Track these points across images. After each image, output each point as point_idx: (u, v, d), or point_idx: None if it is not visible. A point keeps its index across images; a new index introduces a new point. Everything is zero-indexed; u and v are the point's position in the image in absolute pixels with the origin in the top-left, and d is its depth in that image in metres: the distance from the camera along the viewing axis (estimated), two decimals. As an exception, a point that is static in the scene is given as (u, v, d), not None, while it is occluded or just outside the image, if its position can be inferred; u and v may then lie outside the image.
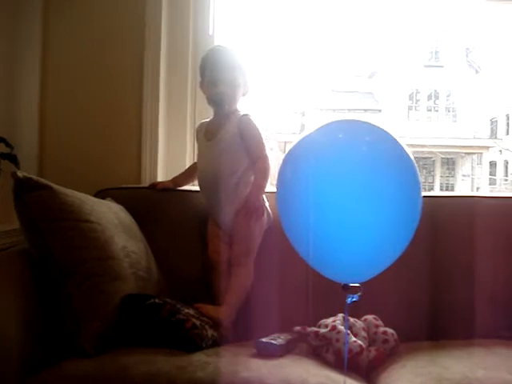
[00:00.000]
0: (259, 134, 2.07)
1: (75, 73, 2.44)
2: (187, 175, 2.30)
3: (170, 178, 2.34)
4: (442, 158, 14.37)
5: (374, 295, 1.90)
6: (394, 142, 1.35)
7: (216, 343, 1.75)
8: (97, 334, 1.66)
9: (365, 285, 1.84)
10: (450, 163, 14.44)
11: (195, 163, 2.27)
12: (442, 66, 13.53)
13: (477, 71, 14.36)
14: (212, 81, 2.08)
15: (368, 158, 1.31)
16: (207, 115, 2.42)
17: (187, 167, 2.34)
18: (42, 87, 2.42)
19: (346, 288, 1.38)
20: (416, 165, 1.34)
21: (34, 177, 1.76)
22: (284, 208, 1.41)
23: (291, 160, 1.41)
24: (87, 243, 1.75)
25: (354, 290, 1.38)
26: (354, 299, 1.38)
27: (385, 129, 1.38)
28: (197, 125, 2.27)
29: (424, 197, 2.08)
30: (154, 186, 2.27)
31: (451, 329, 1.99)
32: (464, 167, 13.93)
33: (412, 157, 1.36)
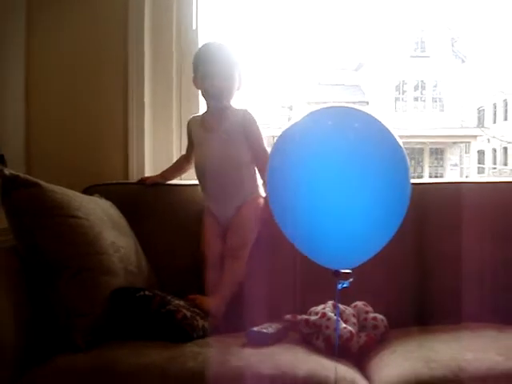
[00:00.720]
0: (260, 129, 2.12)
1: (60, 71, 2.44)
2: (175, 169, 2.31)
3: (157, 173, 2.34)
4: (431, 148, 14.44)
5: (362, 282, 1.91)
6: (382, 128, 1.36)
7: (207, 334, 1.76)
8: (88, 328, 1.67)
9: (353, 271, 1.90)
10: (438, 153, 14.51)
11: (183, 156, 2.31)
12: (428, 57, 13.60)
13: (463, 61, 14.43)
14: (208, 74, 2.08)
15: (356, 144, 1.31)
16: (192, 110, 2.44)
17: (175, 161, 2.35)
18: (26, 86, 2.42)
19: (337, 274, 1.39)
20: (405, 151, 1.35)
21: (22, 174, 1.77)
22: (274, 196, 1.42)
23: (280, 147, 1.41)
24: (76, 239, 1.76)
25: (345, 276, 1.39)
26: (345, 285, 1.39)
27: (373, 115, 1.39)
28: (187, 119, 2.27)
29: (411, 184, 2.15)
30: (143, 181, 2.28)
31: (440, 314, 2.00)
32: (452, 156, 14.01)
33: (401, 143, 1.37)
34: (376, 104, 12.31)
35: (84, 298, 1.70)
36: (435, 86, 13.31)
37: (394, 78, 12.64)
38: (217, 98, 2.10)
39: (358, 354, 1.72)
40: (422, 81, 13.13)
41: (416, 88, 13.16)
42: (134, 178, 2.39)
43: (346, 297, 1.73)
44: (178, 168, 2.31)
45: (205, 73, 2.09)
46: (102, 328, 1.71)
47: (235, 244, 2.05)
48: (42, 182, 1.77)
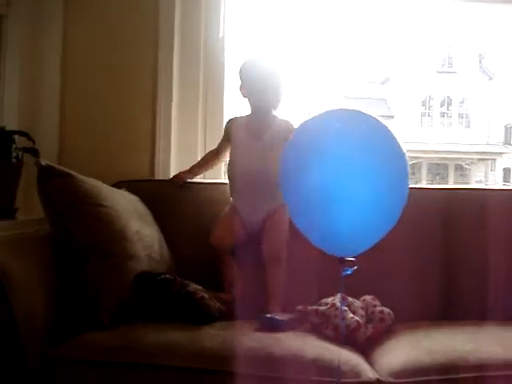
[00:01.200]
0: None
1: (93, 72, 2.58)
2: (204, 164, 2.40)
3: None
4: (456, 165, 14.40)
5: (387, 282, 2.09)
6: (383, 128, 1.47)
7: (223, 317, 1.88)
8: (113, 309, 1.80)
9: (378, 272, 2.05)
10: (463, 169, 14.46)
11: (212, 152, 2.39)
12: (454, 72, 13.61)
13: (490, 78, 14.38)
14: (260, 88, 2.18)
15: (362, 141, 1.42)
16: (217, 112, 2.56)
17: (203, 156, 2.45)
18: (62, 85, 2.57)
19: (342, 261, 1.48)
20: (403, 150, 1.45)
21: (56, 165, 1.92)
22: (286, 188, 1.53)
23: (294, 143, 1.53)
24: (103, 226, 1.89)
25: (350, 263, 1.48)
26: (349, 272, 1.48)
27: (376, 118, 1.50)
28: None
29: (437, 189, 2.34)
30: (175, 178, 2.37)
31: (462, 316, 2.06)
32: (477, 173, 13.93)
33: (400, 144, 1.47)
34: (402, 118, 12.33)
35: (110, 281, 1.84)
36: (462, 102, 13.28)
37: (421, 92, 12.63)
38: (264, 111, 2.22)
39: (365, 345, 1.81)
40: (448, 96, 13.11)
41: (442, 104, 13.13)
42: (159, 175, 2.52)
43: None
44: (206, 164, 2.40)
45: (253, 89, 2.20)
46: (127, 309, 1.84)
47: (275, 248, 2.11)
48: (74, 173, 1.92)
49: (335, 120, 1.46)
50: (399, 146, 1.44)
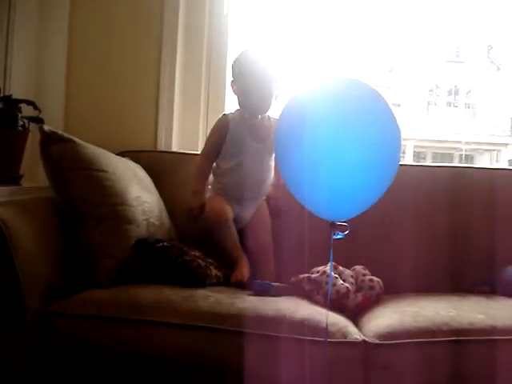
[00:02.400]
0: None
1: (100, 42, 2.64)
2: (205, 179, 2.22)
3: (183, 143, 2.58)
4: (461, 155, 14.39)
5: (396, 259, 2.17)
6: (377, 95, 1.51)
7: (220, 283, 1.95)
8: (111, 269, 1.87)
9: (387, 249, 2.18)
10: (468, 159, 14.45)
11: (207, 161, 2.21)
12: (462, 62, 13.56)
13: (498, 68, 14.36)
14: (248, 91, 2.12)
15: (353, 108, 1.47)
16: (220, 87, 2.61)
17: (199, 170, 2.21)
18: (68, 54, 2.63)
19: (334, 226, 1.53)
20: (394, 116, 1.49)
21: (59, 131, 1.98)
22: (280, 153, 1.58)
23: (287, 111, 1.57)
24: (102, 190, 1.96)
25: (341, 228, 1.53)
26: (340, 236, 1.53)
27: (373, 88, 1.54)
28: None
29: (445, 167, 2.39)
30: (191, 212, 2.16)
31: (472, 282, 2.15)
32: (482, 164, 13.93)
33: (392, 109, 1.52)
34: (408, 107, 12.31)
35: (109, 242, 1.91)
36: (469, 92, 13.23)
37: (428, 81, 12.58)
38: (254, 114, 2.17)
39: (354, 311, 1.88)
40: (455, 86, 13.06)
41: (449, 93, 13.08)
42: (161, 147, 2.58)
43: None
44: (207, 177, 2.22)
45: (246, 90, 2.13)
46: (126, 271, 1.91)
47: (264, 234, 2.21)
48: (75, 139, 1.99)
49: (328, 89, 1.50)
50: (390, 112, 1.49)
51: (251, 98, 2.13)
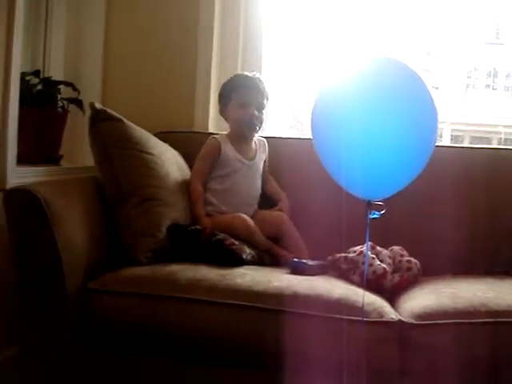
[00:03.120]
0: None
1: (137, 25, 2.67)
2: (203, 200, 2.19)
3: (219, 125, 2.58)
4: (500, 138, 14.14)
5: (434, 240, 2.18)
6: (414, 75, 1.50)
7: (255, 262, 1.97)
8: (149, 248, 1.90)
9: (424, 231, 2.19)
10: (507, 143, 14.20)
11: (201, 185, 2.19)
12: (502, 44, 13.28)
13: (539, 50, 14.01)
14: (246, 102, 2.19)
15: (390, 90, 1.46)
16: (255, 68, 2.62)
17: (198, 192, 2.18)
18: (105, 36, 2.67)
19: (370, 205, 1.52)
20: (431, 96, 1.47)
21: (109, 109, 2.01)
22: (317, 133, 1.58)
23: (325, 91, 1.57)
24: (147, 172, 2.00)
25: (377, 207, 1.53)
26: (376, 215, 1.52)
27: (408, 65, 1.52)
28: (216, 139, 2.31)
29: (482, 148, 2.38)
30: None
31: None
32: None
33: (428, 89, 1.50)
34: (446, 90, 12.12)
35: (147, 222, 1.93)
36: (508, 75, 12.95)
37: (466, 64, 12.34)
38: (251, 126, 2.22)
39: (391, 292, 1.87)
40: (494, 68, 12.79)
41: (488, 75, 12.81)
42: (198, 128, 2.60)
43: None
44: (203, 198, 2.19)
45: (242, 101, 2.19)
46: (162, 251, 1.93)
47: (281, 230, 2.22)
48: (125, 119, 2.02)
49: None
50: (428, 91, 1.47)
51: (250, 109, 2.19)
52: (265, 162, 2.31)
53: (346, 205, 1.94)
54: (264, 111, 2.25)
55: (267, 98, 2.26)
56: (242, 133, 2.24)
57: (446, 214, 2.20)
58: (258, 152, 2.27)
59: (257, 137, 2.30)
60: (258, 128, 2.24)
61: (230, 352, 1.65)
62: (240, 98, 2.21)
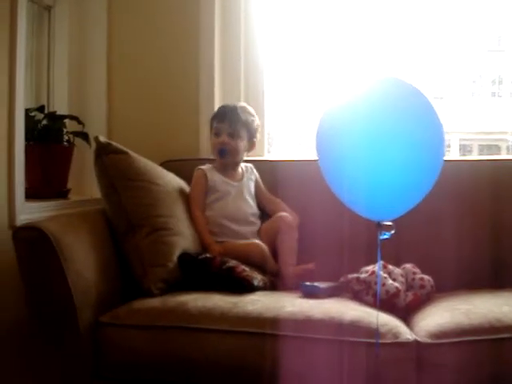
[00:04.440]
0: None
1: (139, 57, 2.69)
2: (207, 228, 2.21)
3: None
4: (508, 146, 14.06)
5: (446, 256, 2.14)
6: (418, 95, 1.50)
7: (267, 288, 1.96)
8: (161, 278, 1.90)
9: (427, 243, 2.17)
10: (515, 150, 14.11)
11: (201, 212, 2.22)
12: (503, 51, 13.28)
13: (543, 55, 13.99)
14: (216, 131, 2.28)
15: (396, 110, 1.46)
16: (258, 95, 2.63)
17: (201, 222, 2.20)
18: (108, 69, 2.69)
19: (380, 226, 1.52)
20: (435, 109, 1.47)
21: (113, 142, 2.04)
22: (323, 154, 1.58)
23: (329, 115, 1.57)
24: (155, 202, 2.01)
25: (387, 227, 1.52)
26: (386, 236, 1.52)
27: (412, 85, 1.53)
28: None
29: (486, 160, 2.35)
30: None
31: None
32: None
33: (434, 107, 1.50)
34: (451, 99, 12.10)
35: (157, 253, 1.94)
36: (512, 82, 12.90)
37: (471, 72, 12.33)
38: (220, 153, 2.27)
39: (405, 311, 1.85)
40: (499, 76, 12.78)
41: (493, 83, 12.80)
42: (203, 154, 2.59)
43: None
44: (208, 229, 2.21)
45: (214, 130, 2.29)
46: (173, 280, 1.93)
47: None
48: (129, 151, 2.04)
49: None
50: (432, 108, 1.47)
51: (219, 137, 2.26)
52: (257, 181, 2.35)
53: (354, 225, 1.96)
54: (241, 138, 2.28)
55: (246, 126, 2.29)
56: (218, 160, 2.30)
57: (457, 228, 2.19)
58: (245, 174, 2.33)
59: (243, 164, 2.36)
60: (229, 155, 2.27)
61: (243, 381, 1.64)
62: (214, 127, 2.30)
